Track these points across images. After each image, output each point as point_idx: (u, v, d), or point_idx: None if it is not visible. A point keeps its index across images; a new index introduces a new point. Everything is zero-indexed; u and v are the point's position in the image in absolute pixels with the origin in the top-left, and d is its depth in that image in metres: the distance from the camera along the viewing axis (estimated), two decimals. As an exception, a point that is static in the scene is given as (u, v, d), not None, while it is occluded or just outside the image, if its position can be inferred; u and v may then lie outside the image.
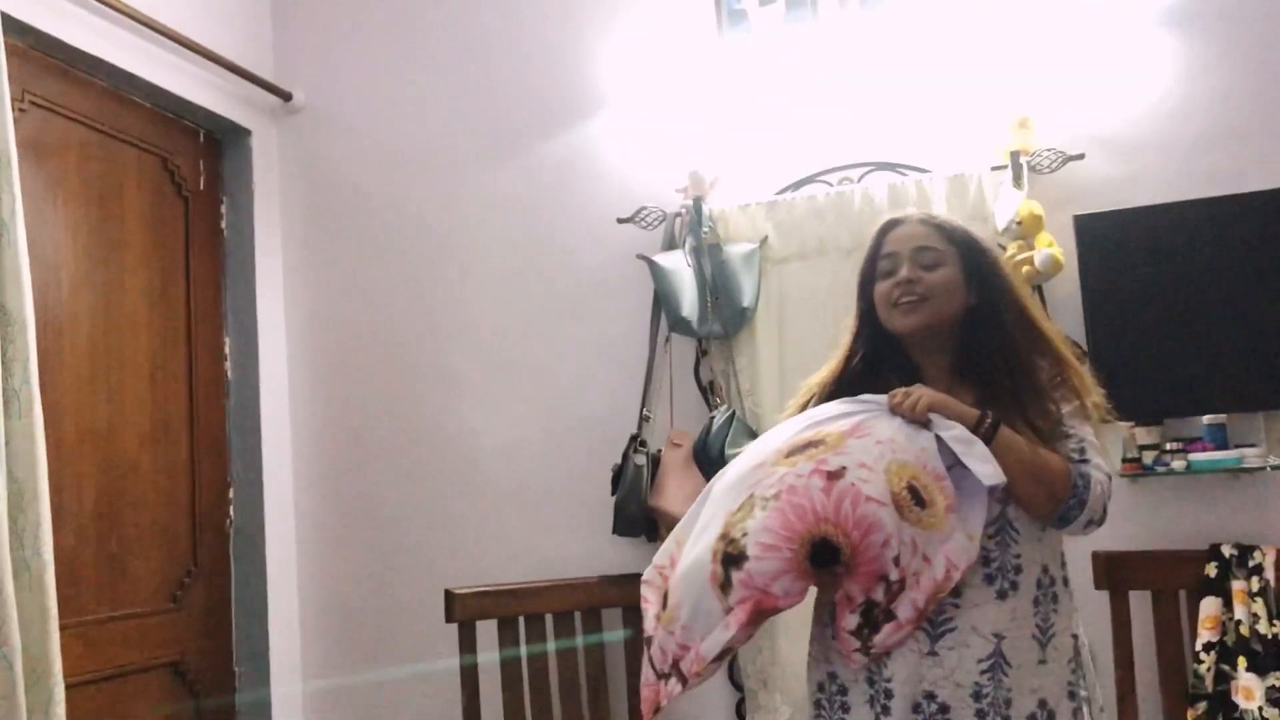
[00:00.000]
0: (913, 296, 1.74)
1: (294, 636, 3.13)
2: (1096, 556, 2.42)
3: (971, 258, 1.78)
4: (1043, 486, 1.65)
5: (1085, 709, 1.72)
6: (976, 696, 1.65)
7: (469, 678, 2.63)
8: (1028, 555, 1.68)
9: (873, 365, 1.84)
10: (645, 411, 2.84)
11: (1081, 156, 2.59)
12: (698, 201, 2.78)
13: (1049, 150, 2.60)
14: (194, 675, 2.87)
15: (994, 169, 2.61)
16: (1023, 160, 2.57)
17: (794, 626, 2.65)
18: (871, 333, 1.84)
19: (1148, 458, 2.47)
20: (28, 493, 2.06)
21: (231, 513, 3.07)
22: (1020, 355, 1.74)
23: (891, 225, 1.83)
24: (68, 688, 2.14)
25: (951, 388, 1.76)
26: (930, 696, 1.65)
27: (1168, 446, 2.47)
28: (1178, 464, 2.44)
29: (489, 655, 2.67)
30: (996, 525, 1.67)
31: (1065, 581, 1.74)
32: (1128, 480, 2.48)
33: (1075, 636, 1.74)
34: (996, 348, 1.74)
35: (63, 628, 2.15)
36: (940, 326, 1.77)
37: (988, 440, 1.64)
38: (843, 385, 1.84)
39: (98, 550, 2.61)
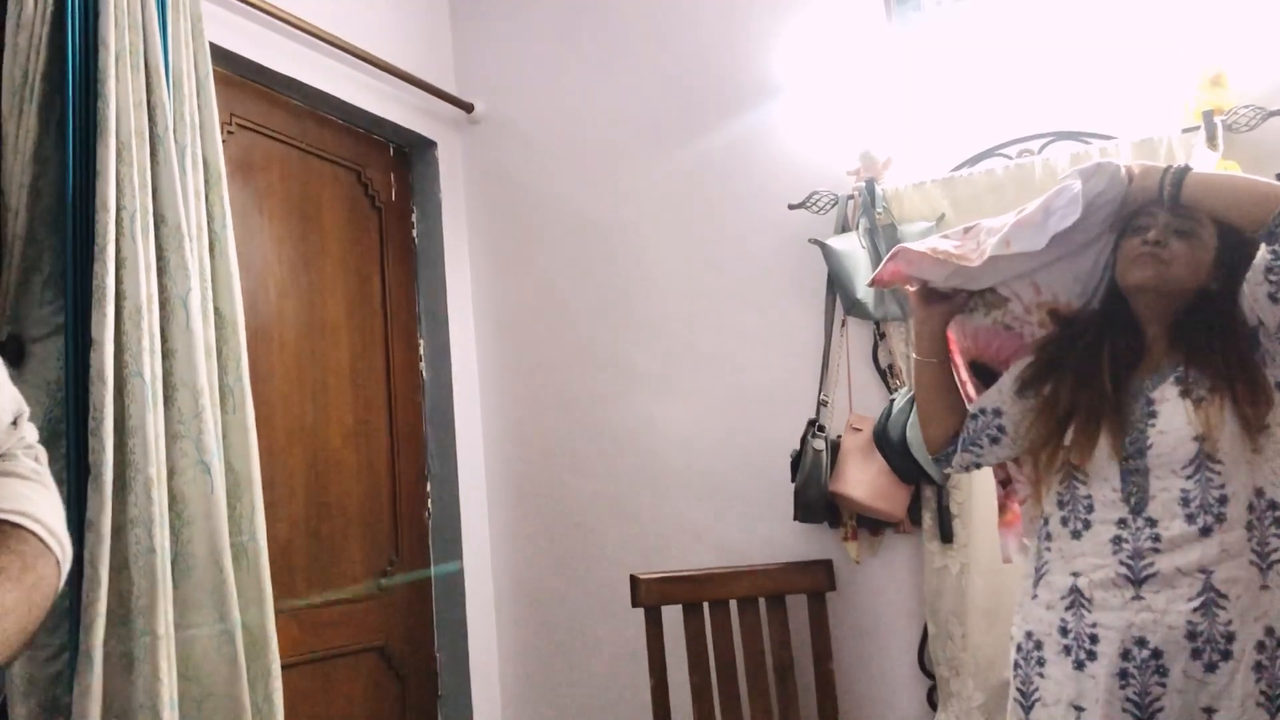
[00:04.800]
0: (1156, 254, 1.73)
1: (490, 622, 3.25)
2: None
3: (1229, 243, 1.74)
4: (1244, 201, 1.67)
5: None
6: (1191, 636, 1.62)
7: (656, 661, 2.68)
8: (1235, 483, 1.64)
9: (1097, 323, 1.86)
10: (823, 396, 2.83)
11: (1283, 111, 2.43)
12: (870, 182, 2.74)
13: (1246, 107, 2.43)
14: (398, 659, 3.02)
15: (1185, 131, 2.46)
16: (1217, 120, 2.41)
17: (985, 613, 2.58)
18: (1106, 288, 1.86)
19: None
20: (243, 482, 2.22)
21: (429, 505, 3.23)
22: (1243, 354, 1.70)
23: None
24: (286, 667, 2.29)
25: (1165, 356, 1.77)
26: (1141, 643, 1.64)
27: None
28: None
29: (675, 640, 2.71)
30: (1194, 464, 1.65)
31: None
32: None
33: None
34: (1216, 338, 1.72)
35: (279, 611, 2.31)
36: (1171, 295, 1.75)
37: (1178, 184, 1.71)
38: (1066, 338, 1.89)
39: (308, 540, 2.79)
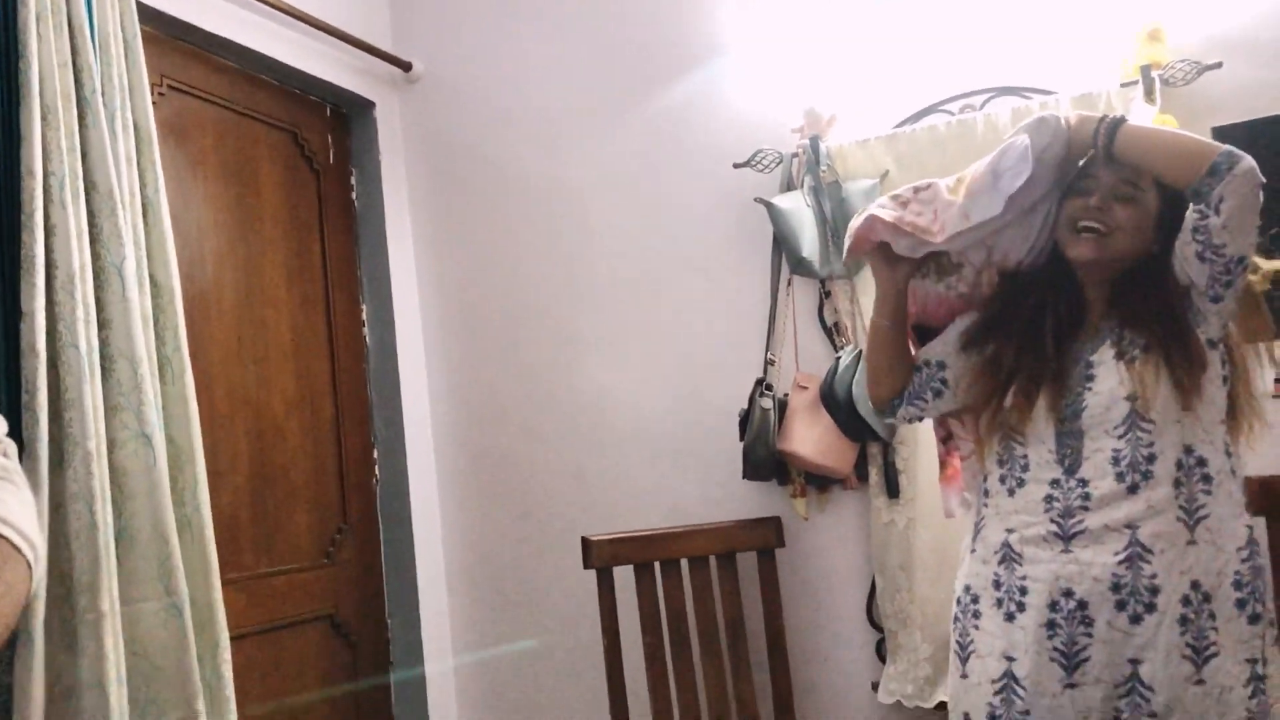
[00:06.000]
0: (1098, 226, 1.73)
1: (440, 588, 3.24)
2: (1250, 481, 2.31)
3: (1169, 204, 1.75)
4: (1175, 156, 1.68)
5: (1255, 604, 1.67)
6: (1115, 588, 1.67)
7: (609, 622, 2.68)
8: (1163, 441, 1.67)
9: (1040, 283, 1.86)
10: (770, 355, 2.83)
11: (1218, 65, 2.44)
12: (814, 140, 2.74)
13: (1182, 62, 2.46)
14: (349, 627, 3.01)
15: (1123, 85, 2.49)
16: (1154, 74, 2.44)
17: (932, 566, 2.62)
18: (1050, 247, 1.86)
19: (1300, 378, 2.35)
20: (184, 454, 2.17)
21: (377, 471, 3.20)
22: (1178, 316, 1.73)
23: None
24: (235, 638, 2.27)
25: (1103, 318, 1.79)
26: (1068, 594, 1.70)
27: (1320, 365, 2.34)
28: (1334, 383, 2.32)
29: (628, 600, 2.72)
30: (1126, 423, 1.69)
31: (1231, 471, 1.72)
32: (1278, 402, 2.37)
33: (1250, 527, 1.71)
34: (1152, 300, 1.74)
35: (225, 583, 2.27)
36: (1115, 264, 1.77)
37: (1111, 134, 1.71)
38: (1009, 295, 1.89)
39: (253, 510, 2.75)
